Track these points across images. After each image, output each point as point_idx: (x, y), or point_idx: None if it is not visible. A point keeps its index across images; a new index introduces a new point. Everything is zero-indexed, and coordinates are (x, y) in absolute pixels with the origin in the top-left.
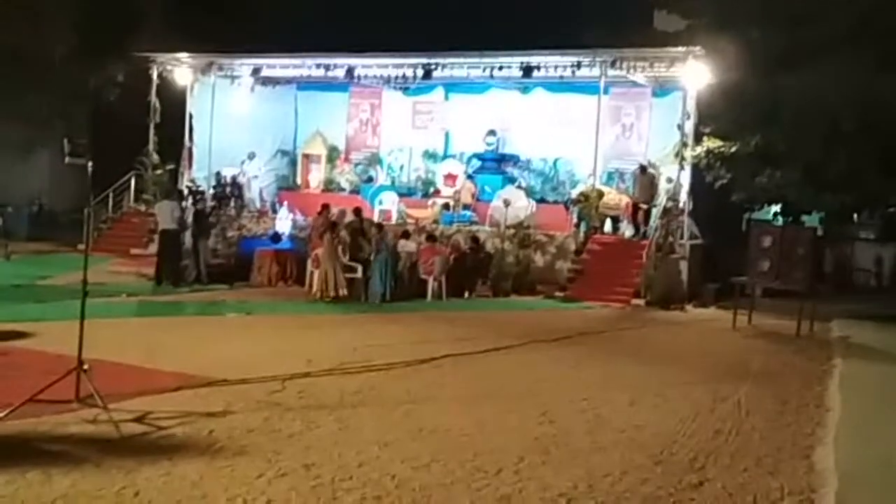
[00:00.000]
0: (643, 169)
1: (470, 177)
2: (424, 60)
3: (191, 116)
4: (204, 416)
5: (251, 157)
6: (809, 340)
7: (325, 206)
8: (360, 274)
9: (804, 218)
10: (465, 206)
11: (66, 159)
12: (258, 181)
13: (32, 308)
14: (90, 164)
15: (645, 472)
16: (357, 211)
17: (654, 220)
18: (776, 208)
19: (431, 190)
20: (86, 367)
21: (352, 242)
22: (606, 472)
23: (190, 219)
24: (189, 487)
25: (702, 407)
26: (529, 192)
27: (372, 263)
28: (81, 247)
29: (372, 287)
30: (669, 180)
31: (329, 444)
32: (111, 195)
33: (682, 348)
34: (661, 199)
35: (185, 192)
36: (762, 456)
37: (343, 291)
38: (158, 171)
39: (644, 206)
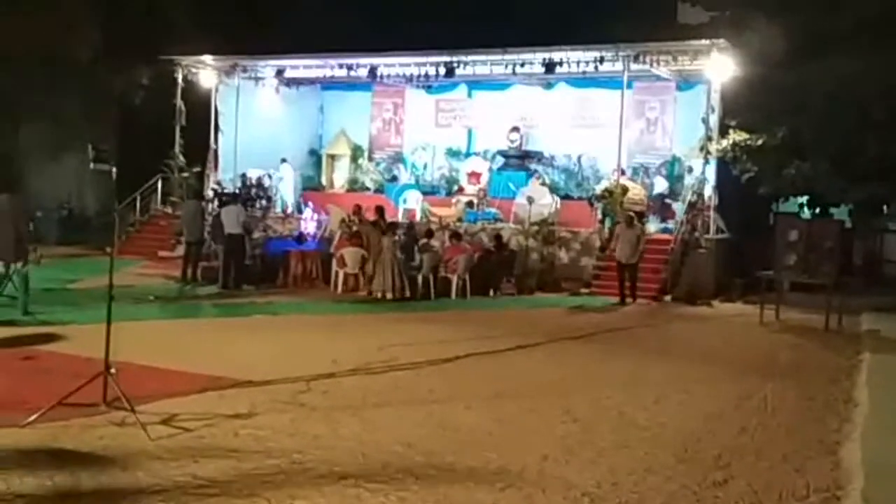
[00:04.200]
0: (629, 221)
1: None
2: (447, 58)
3: (216, 118)
4: (230, 417)
5: (283, 161)
6: (837, 335)
7: (359, 207)
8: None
9: (832, 210)
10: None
11: (91, 165)
12: (287, 184)
13: (62, 311)
14: (114, 169)
15: (669, 471)
16: (379, 210)
17: (681, 214)
18: (803, 200)
19: (455, 188)
20: (113, 370)
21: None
22: (630, 470)
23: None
24: (215, 489)
25: (727, 403)
26: (553, 189)
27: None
28: (110, 250)
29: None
30: (691, 170)
31: (353, 444)
32: (138, 198)
33: (708, 344)
34: (687, 194)
35: (211, 194)
36: (788, 453)
37: (407, 292)
38: (185, 174)
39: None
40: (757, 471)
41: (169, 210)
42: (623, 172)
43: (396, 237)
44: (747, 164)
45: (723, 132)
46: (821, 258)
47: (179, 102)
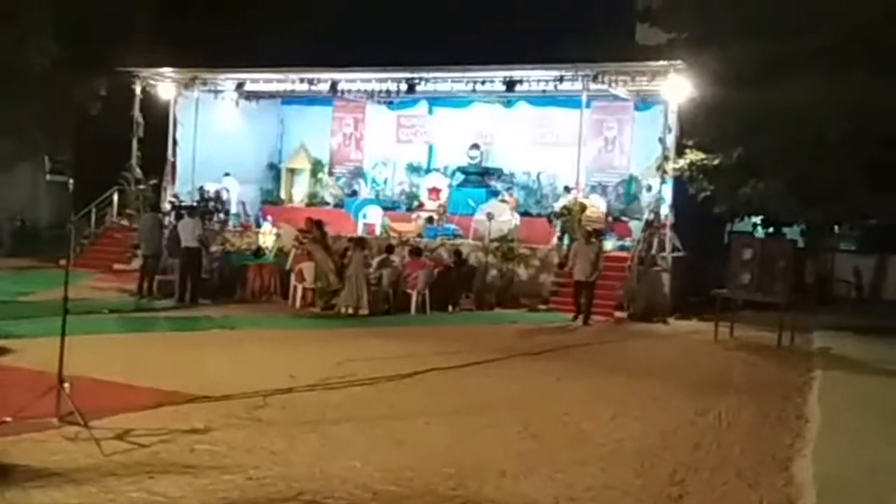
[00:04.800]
0: (588, 237)
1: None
2: (408, 75)
3: (174, 131)
4: (186, 432)
5: (226, 175)
6: (790, 352)
7: (319, 222)
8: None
9: (785, 230)
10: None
11: (48, 177)
12: (235, 196)
13: (13, 325)
14: (71, 181)
15: (626, 486)
16: (319, 224)
17: (637, 232)
18: (757, 220)
19: (415, 203)
20: (66, 384)
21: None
22: (588, 486)
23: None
24: None
25: (683, 420)
26: (516, 206)
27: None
28: (64, 262)
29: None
30: (649, 188)
31: (311, 459)
32: (94, 210)
33: (664, 361)
34: (644, 213)
35: (169, 207)
36: (742, 468)
37: (365, 311)
38: (141, 186)
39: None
40: (711, 486)
41: (125, 223)
42: (567, 190)
43: (366, 252)
44: (703, 183)
45: (679, 152)
46: (774, 277)
47: (137, 114)
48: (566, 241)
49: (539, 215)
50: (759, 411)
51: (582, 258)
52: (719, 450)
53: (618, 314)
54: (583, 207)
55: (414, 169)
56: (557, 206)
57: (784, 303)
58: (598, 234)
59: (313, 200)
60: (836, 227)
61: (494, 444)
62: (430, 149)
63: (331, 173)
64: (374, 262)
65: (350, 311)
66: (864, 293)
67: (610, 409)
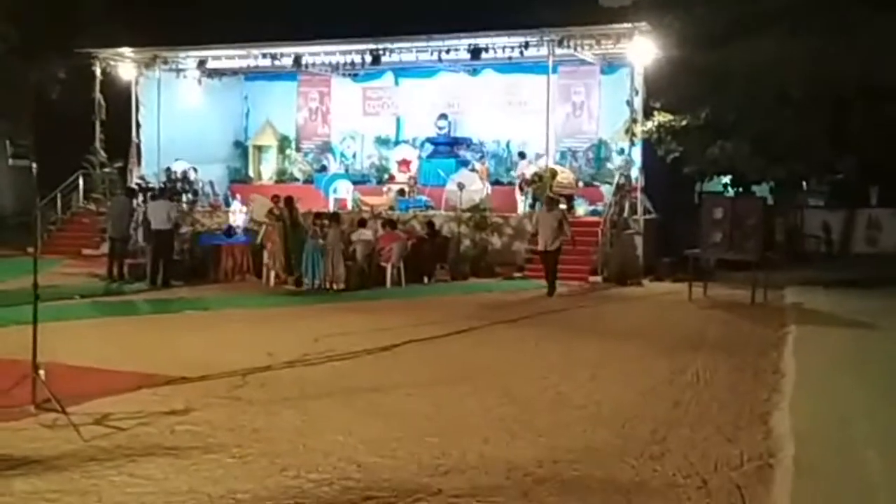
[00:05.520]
0: (550, 203)
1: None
2: (372, 46)
3: (137, 112)
4: (165, 414)
5: (177, 160)
6: (763, 309)
7: (289, 199)
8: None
9: (754, 188)
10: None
11: (10, 161)
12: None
13: None
14: (34, 165)
15: (608, 447)
16: (288, 200)
17: (609, 196)
18: (726, 179)
19: (385, 176)
20: (41, 371)
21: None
22: (569, 448)
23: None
24: (153, 487)
25: (660, 379)
26: (486, 175)
27: (302, 252)
28: (31, 250)
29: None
30: (621, 152)
31: (293, 435)
32: (59, 195)
33: (640, 323)
34: (615, 177)
35: (136, 189)
36: (721, 424)
37: (341, 286)
38: (107, 169)
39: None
40: (692, 443)
41: (92, 207)
42: (522, 156)
43: (343, 228)
44: (672, 144)
45: (647, 114)
46: (745, 235)
47: (98, 96)
48: (537, 208)
49: (510, 184)
50: (735, 368)
51: (544, 226)
52: (698, 407)
53: (592, 278)
54: (553, 174)
55: (382, 142)
56: (517, 173)
57: (756, 260)
58: (569, 200)
59: (282, 177)
60: (804, 184)
61: (475, 411)
62: (398, 120)
63: (298, 149)
64: (353, 236)
65: (328, 285)
66: (833, 248)
67: (588, 371)
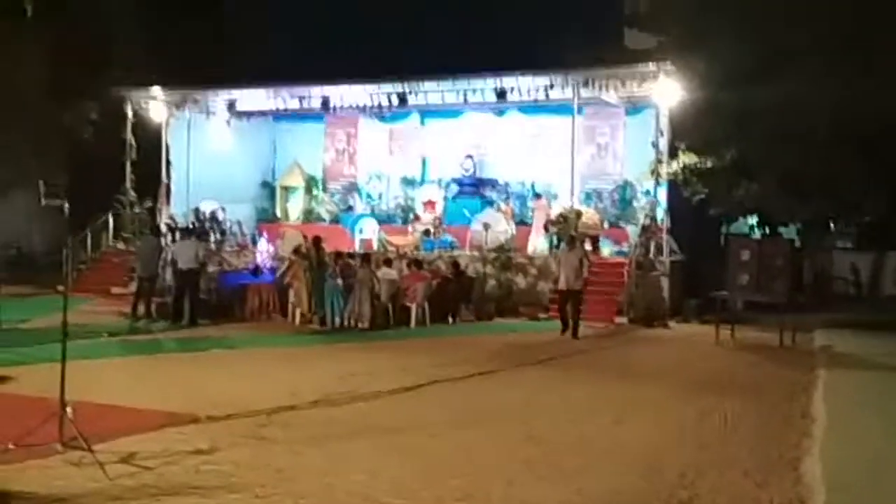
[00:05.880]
0: (571, 242)
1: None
2: (399, 87)
3: (167, 152)
4: (190, 453)
5: (205, 199)
6: (792, 352)
7: (317, 239)
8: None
9: (781, 229)
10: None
11: (43, 201)
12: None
13: (13, 352)
14: (66, 205)
15: (634, 490)
16: (316, 240)
17: (634, 237)
18: (753, 220)
19: (411, 216)
20: (69, 409)
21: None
22: (595, 491)
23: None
24: None
25: (687, 422)
26: (511, 215)
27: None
28: (61, 288)
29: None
30: (647, 193)
31: (317, 475)
32: (89, 235)
33: (666, 365)
34: (640, 218)
35: (165, 229)
36: (750, 469)
37: (365, 325)
38: (136, 209)
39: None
40: (720, 487)
41: (121, 246)
42: (539, 197)
43: (373, 268)
44: (697, 185)
45: (672, 155)
46: (772, 277)
47: (129, 137)
48: (561, 248)
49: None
50: (764, 411)
51: (566, 265)
52: (726, 450)
53: (618, 319)
54: (578, 214)
55: (408, 182)
56: (553, 215)
57: (783, 302)
58: (594, 241)
59: (309, 217)
60: (831, 226)
61: (500, 452)
62: (424, 161)
63: (325, 189)
64: (378, 275)
65: (354, 324)
66: (862, 290)
67: (614, 413)
